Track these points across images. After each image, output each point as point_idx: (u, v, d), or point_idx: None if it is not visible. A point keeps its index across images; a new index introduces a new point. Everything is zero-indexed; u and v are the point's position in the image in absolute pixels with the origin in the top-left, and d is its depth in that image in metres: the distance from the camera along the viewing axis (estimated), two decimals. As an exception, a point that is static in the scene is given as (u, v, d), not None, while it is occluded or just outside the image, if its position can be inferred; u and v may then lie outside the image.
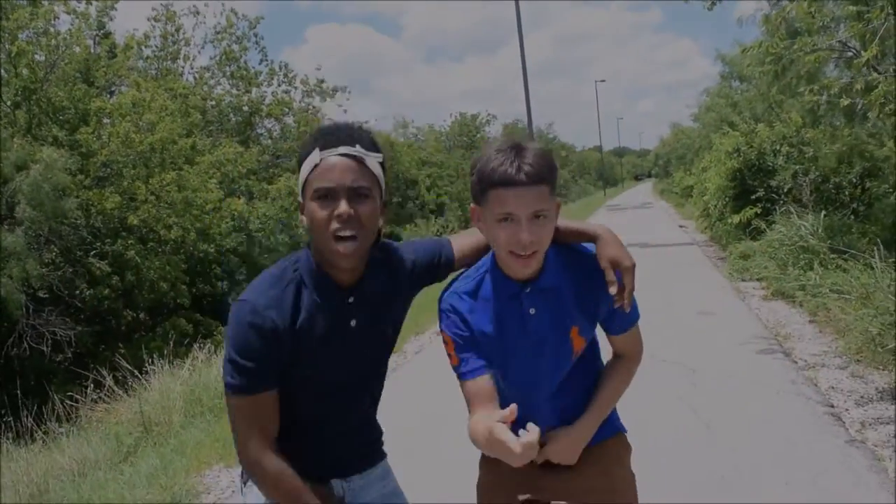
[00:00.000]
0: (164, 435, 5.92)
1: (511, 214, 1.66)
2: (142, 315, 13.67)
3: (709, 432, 4.64)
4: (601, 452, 1.95)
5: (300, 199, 1.73)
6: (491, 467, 1.97)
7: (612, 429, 2.00)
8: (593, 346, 1.97)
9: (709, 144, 19.49)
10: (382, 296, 1.83)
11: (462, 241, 2.00)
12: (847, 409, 4.97)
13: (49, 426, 6.59)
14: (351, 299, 1.76)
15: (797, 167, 12.27)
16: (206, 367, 7.38)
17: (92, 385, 6.94)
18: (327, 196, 1.64)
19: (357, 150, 1.67)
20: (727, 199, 13.93)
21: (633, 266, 1.79)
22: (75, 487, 4.88)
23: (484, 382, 1.80)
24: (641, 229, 21.81)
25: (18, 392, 7.11)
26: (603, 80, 58.06)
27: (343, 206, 1.63)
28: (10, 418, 7.21)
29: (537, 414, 1.78)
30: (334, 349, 1.76)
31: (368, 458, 1.99)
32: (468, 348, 1.82)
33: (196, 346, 7.99)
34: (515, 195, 1.65)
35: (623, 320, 1.91)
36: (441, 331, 1.88)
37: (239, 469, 1.83)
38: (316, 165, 1.66)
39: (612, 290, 1.77)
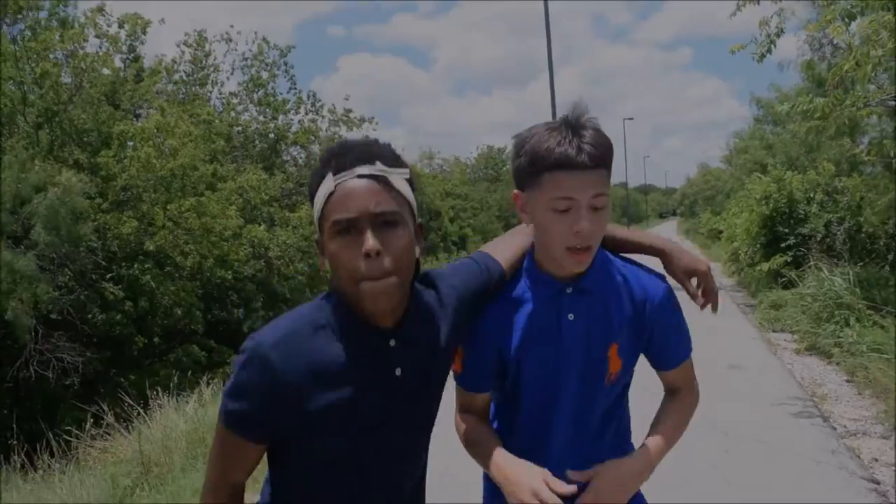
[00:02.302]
0: (162, 477, 5.64)
1: (571, 200, 1.46)
2: (156, 339, 13.48)
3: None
4: None
5: (317, 235, 1.44)
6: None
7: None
8: (625, 386, 1.72)
9: (741, 187, 19.13)
10: (432, 338, 1.50)
11: (504, 252, 1.69)
12: (894, 487, 4.57)
13: (45, 460, 6.34)
14: (393, 342, 1.43)
15: (831, 216, 11.89)
16: (213, 404, 7.11)
17: (92, 420, 6.67)
18: (349, 229, 1.34)
19: (378, 167, 1.37)
20: (758, 245, 13.55)
21: (710, 268, 1.73)
22: (62, 534, 4.61)
23: (482, 399, 1.71)
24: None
25: (14, 423, 6.84)
26: (631, 118, 57.86)
27: (370, 242, 1.32)
28: (16, 442, 6.98)
29: (548, 452, 1.63)
30: (373, 410, 1.42)
31: None
32: (478, 362, 1.64)
33: (204, 379, 7.73)
34: (576, 179, 1.45)
35: (677, 351, 1.72)
36: None
37: None
38: (331, 193, 1.36)
39: (699, 301, 1.71)
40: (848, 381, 7.27)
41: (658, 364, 1.74)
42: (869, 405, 6.34)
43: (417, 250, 1.44)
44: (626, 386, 1.73)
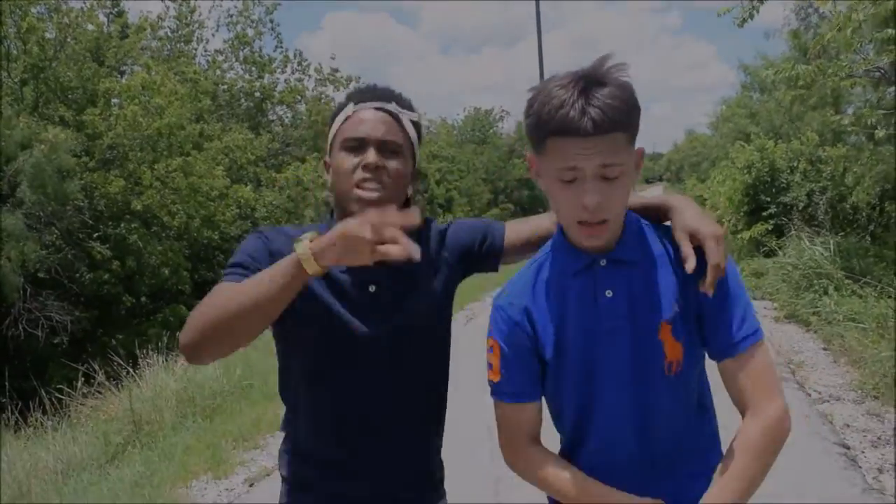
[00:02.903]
0: (153, 435, 5.75)
1: (576, 170, 1.25)
2: (143, 299, 13.54)
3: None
4: None
5: (327, 157, 1.63)
6: None
7: None
8: (696, 374, 1.42)
9: (726, 155, 19.28)
10: (412, 270, 1.54)
11: (519, 226, 1.71)
12: (863, 451, 4.74)
13: (37, 417, 6.42)
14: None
15: (813, 185, 12.03)
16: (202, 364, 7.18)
17: (83, 378, 6.75)
18: (357, 148, 1.55)
19: (393, 106, 1.59)
20: (740, 213, 13.70)
21: (718, 235, 1.33)
22: (58, 490, 4.70)
23: (528, 412, 1.41)
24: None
25: (5, 380, 6.91)
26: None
27: (372, 156, 1.52)
28: (8, 401, 7.03)
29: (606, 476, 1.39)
30: (346, 312, 1.53)
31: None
32: (517, 363, 1.40)
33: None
34: (579, 147, 1.23)
35: (730, 330, 1.36)
36: (488, 336, 1.45)
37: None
38: (348, 118, 1.58)
39: (689, 265, 1.31)
40: (825, 349, 7.45)
41: (711, 351, 1.39)
42: (843, 373, 6.52)
43: (410, 189, 1.62)
44: (699, 379, 1.44)
